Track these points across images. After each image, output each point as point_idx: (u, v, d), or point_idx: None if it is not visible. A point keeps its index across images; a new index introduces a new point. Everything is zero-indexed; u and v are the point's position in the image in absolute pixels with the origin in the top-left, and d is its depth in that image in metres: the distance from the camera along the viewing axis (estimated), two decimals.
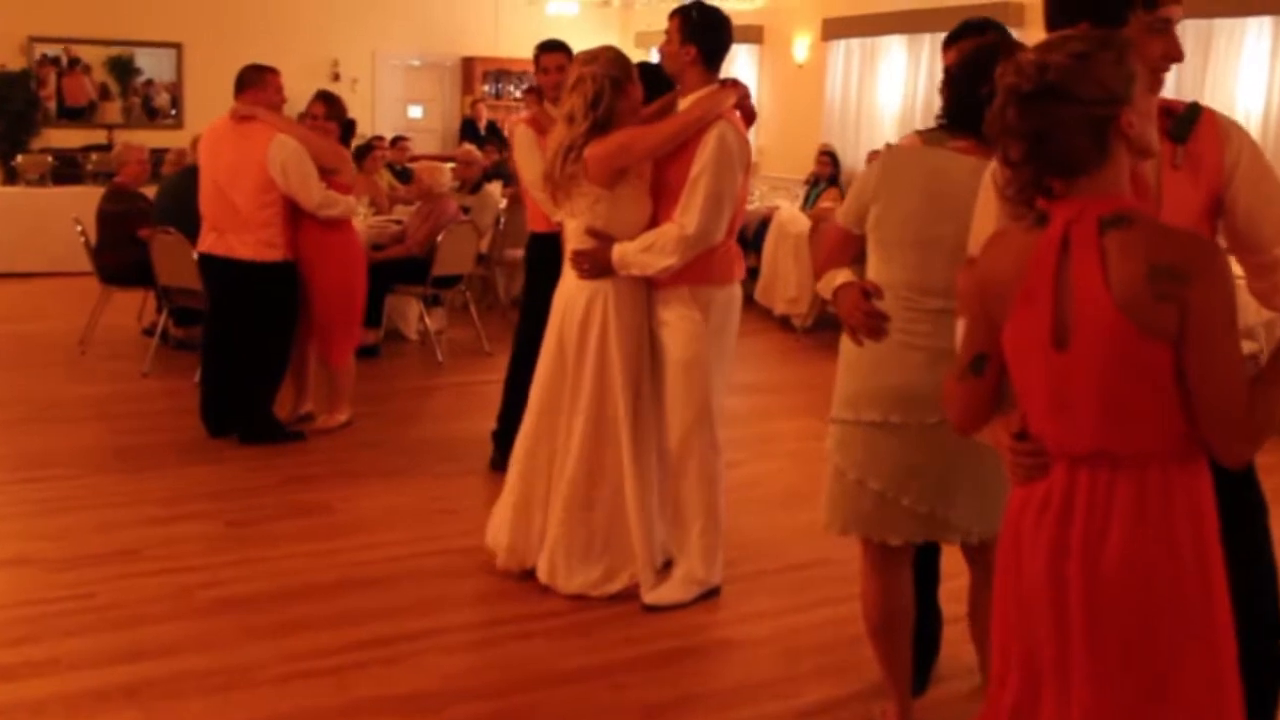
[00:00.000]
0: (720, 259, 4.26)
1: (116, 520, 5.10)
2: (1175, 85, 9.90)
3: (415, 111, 16.39)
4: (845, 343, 3.14)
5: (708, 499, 4.35)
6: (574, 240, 4.32)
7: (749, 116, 4.38)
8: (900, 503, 3.06)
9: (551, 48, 5.62)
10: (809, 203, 11.02)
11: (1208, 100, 9.28)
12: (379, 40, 15.57)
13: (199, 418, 6.34)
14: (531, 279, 5.71)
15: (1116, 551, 2.07)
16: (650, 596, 4.31)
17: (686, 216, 4.09)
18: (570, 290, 4.34)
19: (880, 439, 3.06)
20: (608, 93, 4.14)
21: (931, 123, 3.21)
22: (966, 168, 2.90)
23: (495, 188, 10.62)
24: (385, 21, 15.48)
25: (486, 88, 16.29)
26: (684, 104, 4.25)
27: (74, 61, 14.03)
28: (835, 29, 12.48)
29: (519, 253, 10.22)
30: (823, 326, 9.40)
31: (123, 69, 14.32)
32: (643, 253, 4.14)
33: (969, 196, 2.70)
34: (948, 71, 3.14)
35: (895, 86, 12.17)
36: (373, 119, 15.17)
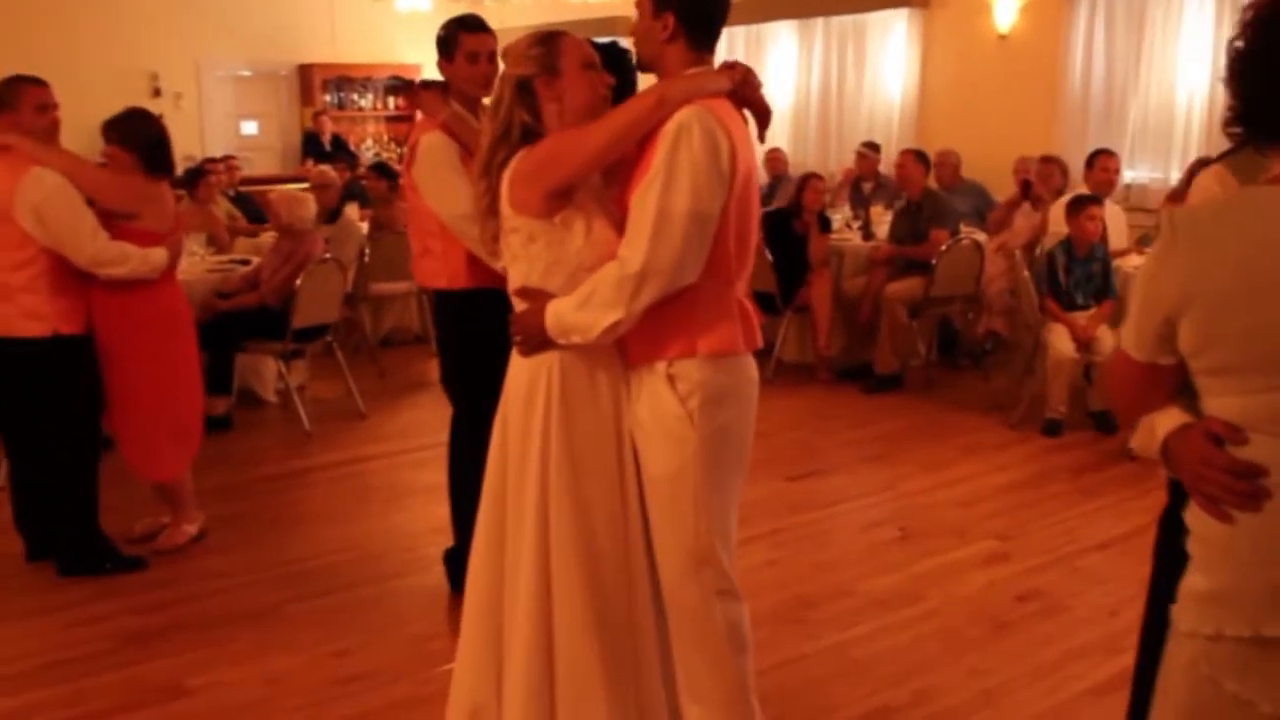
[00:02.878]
0: (708, 316, 2.87)
1: None
2: (1106, 64, 9.05)
3: (249, 127, 14.78)
4: (1197, 517, 1.93)
5: (718, 674, 3.00)
6: (512, 293, 3.05)
7: (759, 113, 3.09)
8: None
9: (479, 26, 4.19)
10: None
11: (1142, 75, 9.27)
12: (203, 49, 13.94)
13: (15, 530, 4.90)
14: (451, 350, 4.38)
15: None
16: None
17: (628, 246, 2.79)
18: (512, 370, 3.07)
19: None
20: (507, 98, 2.93)
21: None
22: None
23: (354, 211, 9.19)
24: (209, 28, 13.84)
25: (328, 97, 14.84)
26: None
27: None
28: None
29: (388, 286, 8.96)
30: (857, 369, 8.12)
31: None
32: (579, 310, 2.82)
33: None
34: (1242, 44, 1.89)
35: (786, 78, 11.19)
36: (201, 138, 13.64)
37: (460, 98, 4.15)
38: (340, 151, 13.30)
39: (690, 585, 2.93)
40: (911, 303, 7.79)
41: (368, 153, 14.63)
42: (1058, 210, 7.67)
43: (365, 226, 9.03)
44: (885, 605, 4.43)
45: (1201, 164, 7.70)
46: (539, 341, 2.90)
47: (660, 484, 2.91)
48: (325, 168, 9.19)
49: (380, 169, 9.48)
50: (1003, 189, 9.26)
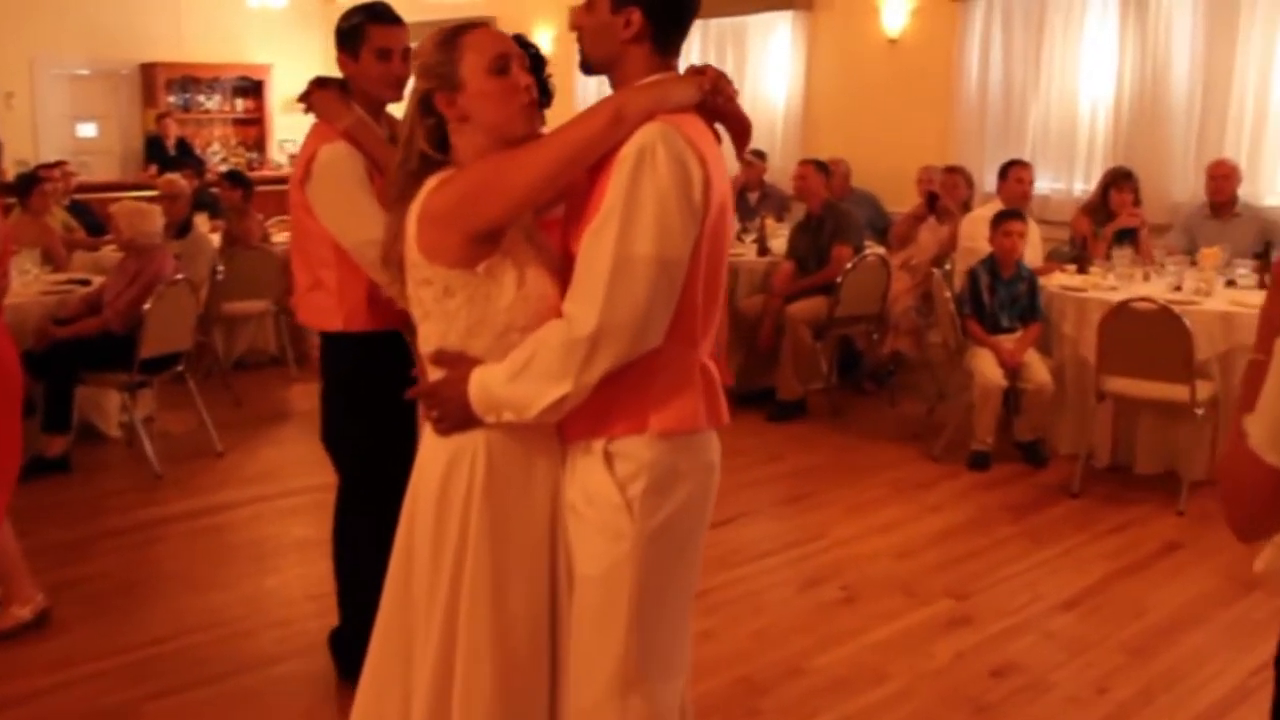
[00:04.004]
0: (665, 384, 2.29)
1: None
2: (1004, 70, 8.70)
3: (87, 130, 13.72)
4: None
5: None
6: (425, 356, 2.41)
7: (736, 128, 2.51)
8: None
9: (390, 17, 3.49)
10: None
11: (1042, 82, 8.93)
12: (38, 44, 12.90)
13: None
14: (342, 405, 3.69)
15: None
16: None
17: (577, 302, 2.20)
18: (425, 451, 2.42)
19: None
20: (408, 117, 2.38)
21: None
22: None
23: (204, 223, 8.37)
24: (45, 22, 12.78)
25: (173, 99, 13.91)
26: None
27: None
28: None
29: (242, 306, 8.14)
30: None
31: None
32: (513, 381, 2.23)
33: None
34: None
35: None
36: (35, 142, 12.59)
37: (365, 101, 3.49)
38: (186, 157, 12.37)
39: (606, 712, 2.32)
40: (815, 323, 7.28)
41: (215, 158, 13.74)
42: (969, 224, 7.27)
43: (216, 240, 8.23)
44: (847, 687, 3.86)
45: (1119, 174, 7.48)
46: (460, 419, 2.29)
47: (588, 586, 2.31)
48: (173, 176, 8.30)
49: (234, 177, 8.67)
50: (895, 200, 8.86)
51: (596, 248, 2.17)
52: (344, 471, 3.72)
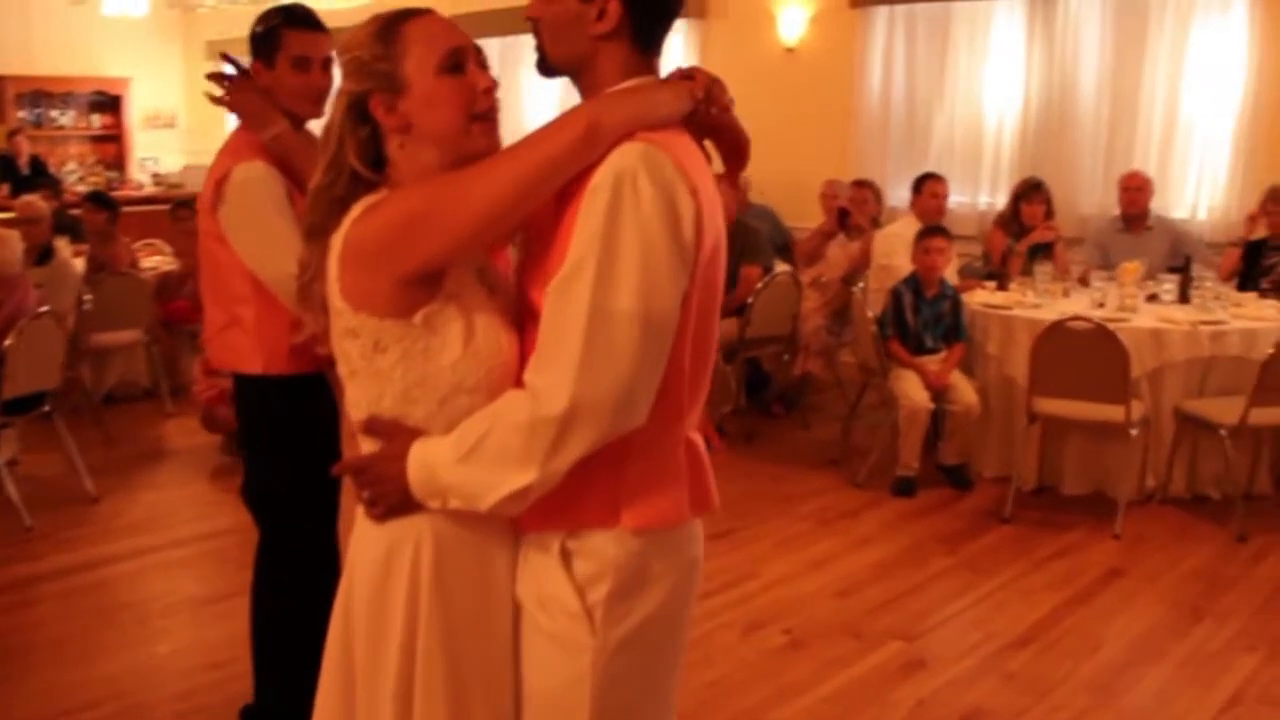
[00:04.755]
0: (643, 469, 1.89)
1: None
2: (907, 81, 8.54)
3: None
4: None
5: None
6: (355, 422, 2.00)
7: (731, 146, 2.14)
8: None
9: (309, 21, 3.09)
10: None
11: (947, 93, 8.77)
12: None
13: None
14: (264, 456, 3.30)
15: None
16: None
17: (545, 372, 1.79)
18: (360, 536, 1.99)
19: None
20: (335, 127, 1.94)
21: None
22: None
23: (66, 248, 7.78)
24: None
25: (23, 114, 13.06)
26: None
27: None
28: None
29: (111, 337, 7.55)
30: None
31: None
32: (465, 463, 1.82)
33: None
34: None
35: (550, 96, 10.38)
36: None
37: (289, 117, 3.08)
38: (41, 177, 11.59)
39: None
40: (725, 346, 7.01)
41: (71, 177, 12.99)
42: (883, 240, 7.08)
43: (80, 266, 7.65)
44: None
45: (1029, 186, 7.34)
46: (397, 502, 1.89)
47: (540, 703, 1.94)
48: (32, 197, 7.67)
49: (98, 199, 8.08)
50: (794, 215, 8.64)
51: (567, 304, 1.75)
52: (265, 526, 3.33)
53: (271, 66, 3.05)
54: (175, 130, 14.44)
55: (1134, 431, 5.43)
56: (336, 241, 1.86)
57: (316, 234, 1.93)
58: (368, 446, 1.93)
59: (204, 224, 3.14)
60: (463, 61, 1.89)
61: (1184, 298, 6.12)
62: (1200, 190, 7.43)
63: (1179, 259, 6.74)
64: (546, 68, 1.97)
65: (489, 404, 1.83)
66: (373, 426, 1.91)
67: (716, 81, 2.00)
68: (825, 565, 5.09)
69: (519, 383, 1.83)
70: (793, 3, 9.16)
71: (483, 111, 1.89)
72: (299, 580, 3.21)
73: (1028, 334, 5.74)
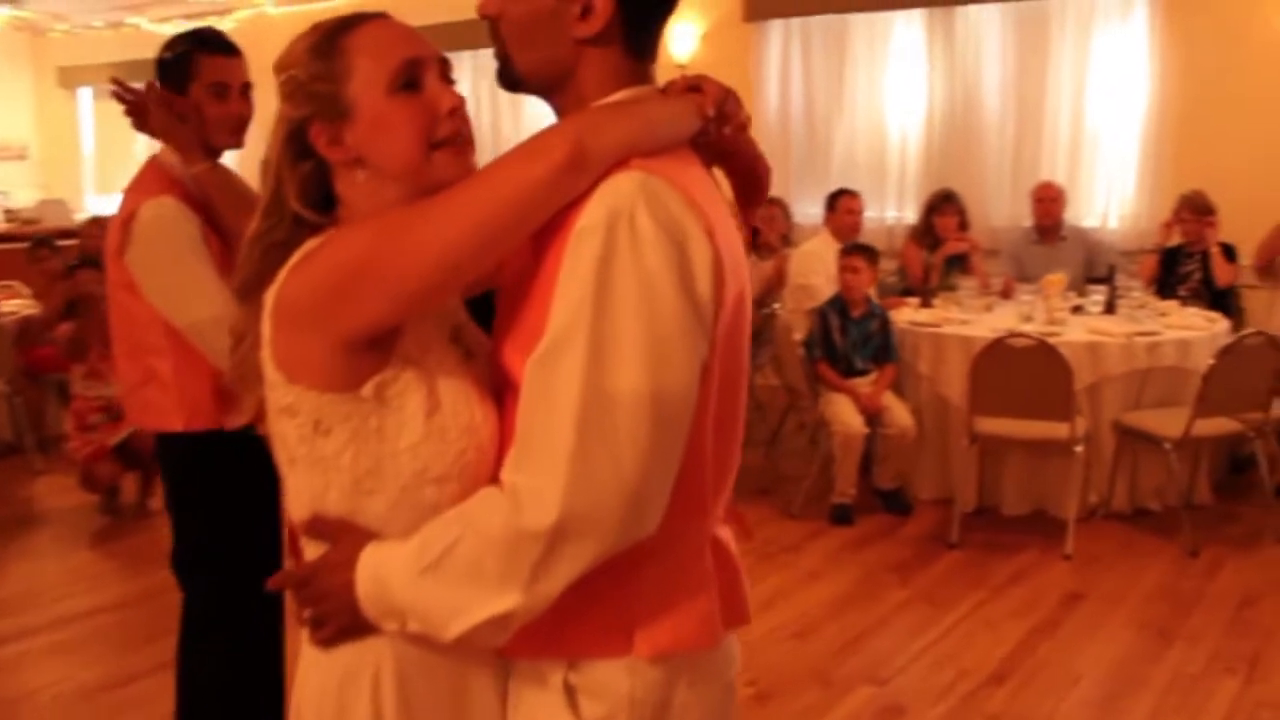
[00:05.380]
0: (661, 582, 1.52)
1: None
2: (805, 96, 8.41)
3: None
4: None
5: None
6: (295, 521, 1.62)
7: (747, 174, 1.74)
8: None
9: (225, 46, 2.84)
10: None
11: (846, 107, 8.57)
12: None
13: None
14: (192, 518, 3.04)
15: None
16: None
17: (529, 471, 1.40)
18: (306, 669, 1.61)
19: None
20: (274, 159, 1.57)
21: None
22: None
23: None
24: None
25: None
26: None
27: None
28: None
29: None
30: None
31: None
32: (425, 577, 1.42)
33: None
34: None
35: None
36: None
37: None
38: None
39: None
40: None
41: None
42: (800, 259, 6.87)
43: None
44: None
45: (941, 198, 7.20)
46: (347, 623, 1.51)
47: None
48: None
49: None
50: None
51: (552, 383, 1.38)
52: (189, 589, 3.06)
53: (185, 95, 2.79)
54: (27, 163, 13.68)
55: (1079, 448, 5.27)
56: (269, 297, 1.50)
57: (252, 290, 1.55)
58: (312, 552, 1.55)
59: (111, 272, 2.85)
60: (419, 76, 1.52)
61: (1111, 308, 6.01)
62: (1110, 199, 7.42)
63: (1094, 269, 6.68)
64: (511, 79, 1.57)
65: (461, 499, 1.46)
66: (316, 527, 1.53)
67: (730, 94, 1.63)
68: (776, 604, 4.81)
69: (499, 471, 1.45)
70: (683, 18, 8.94)
71: (446, 137, 1.52)
72: (238, 650, 2.97)
73: (960, 351, 5.58)
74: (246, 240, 1.57)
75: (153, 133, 2.81)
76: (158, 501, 6.10)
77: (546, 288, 1.42)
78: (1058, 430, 5.22)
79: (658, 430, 1.38)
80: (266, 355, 1.51)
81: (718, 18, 8.79)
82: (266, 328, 1.50)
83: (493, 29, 1.55)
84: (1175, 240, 6.62)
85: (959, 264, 6.86)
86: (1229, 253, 6.42)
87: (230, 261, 2.71)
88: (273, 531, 2.86)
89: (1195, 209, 6.44)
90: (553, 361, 1.37)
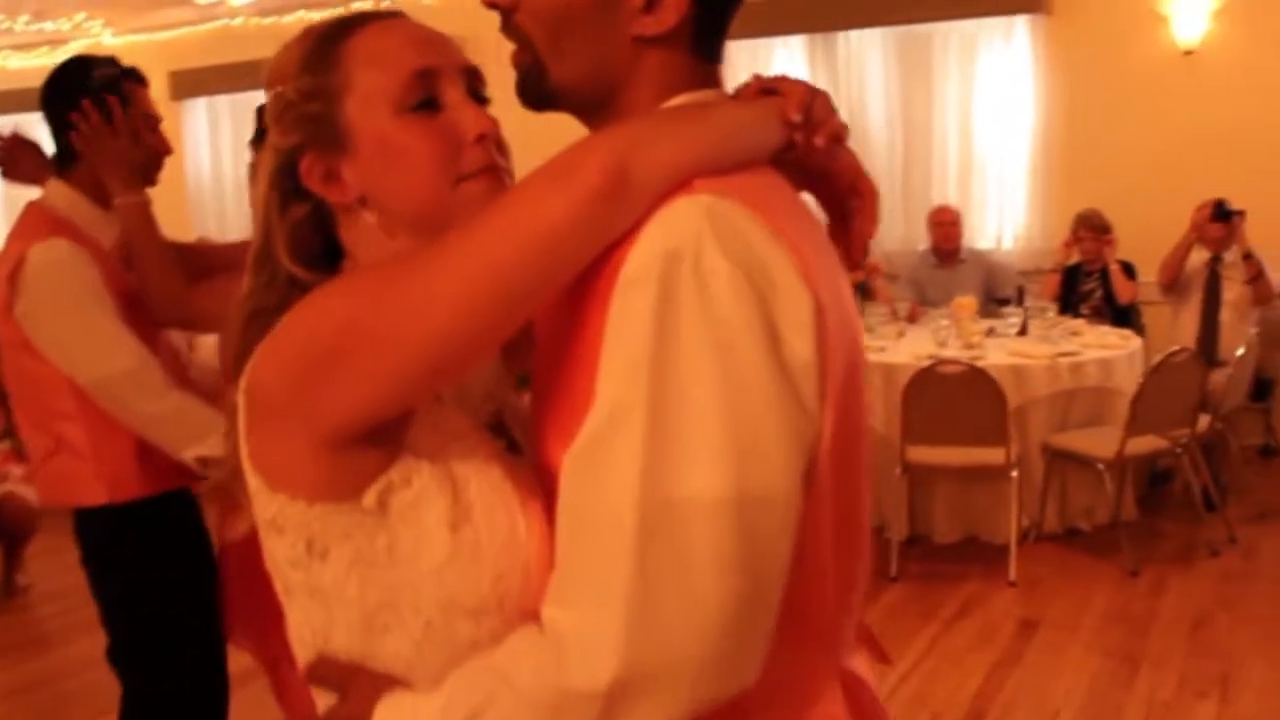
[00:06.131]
0: None
1: None
2: None
3: None
4: None
5: None
6: (300, 664, 1.25)
7: (850, 196, 1.32)
8: None
9: (143, 79, 2.62)
10: None
11: None
12: None
13: None
14: (120, 601, 2.69)
15: None
16: None
17: (571, 605, 1.05)
18: None
19: None
20: (264, 205, 1.23)
21: None
22: None
23: None
24: None
25: None
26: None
27: None
28: (189, 85, 9.95)
29: None
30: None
31: None
32: None
33: None
34: None
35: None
36: None
37: (94, 187, 2.56)
38: None
39: None
40: None
41: None
42: None
43: None
44: None
45: None
46: None
47: None
48: None
49: None
50: None
51: (599, 486, 1.03)
52: (132, 693, 2.71)
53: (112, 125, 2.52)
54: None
55: (1014, 473, 5.22)
56: (243, 381, 1.16)
57: (240, 368, 1.19)
58: (322, 702, 1.20)
59: (2, 331, 2.55)
60: (436, 92, 1.20)
61: (1024, 330, 6.01)
62: (1003, 220, 7.46)
63: (994, 290, 6.70)
64: (540, 92, 1.20)
65: (505, 633, 1.11)
66: (320, 673, 1.19)
67: (819, 95, 1.23)
68: None
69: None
70: None
71: (473, 171, 1.20)
72: None
73: (881, 379, 5.48)
74: (233, 304, 1.24)
75: (21, 179, 2.66)
76: (29, 576, 5.64)
77: (587, 355, 1.08)
78: (993, 456, 5.15)
79: (748, 548, 1.02)
80: (244, 455, 1.17)
81: None
82: (241, 420, 1.16)
83: (508, 24, 1.20)
84: (1074, 259, 6.67)
85: (860, 290, 6.81)
86: (1128, 270, 6.49)
87: (139, 313, 2.52)
88: (214, 608, 2.68)
89: (1092, 227, 6.50)
90: (599, 457, 1.03)
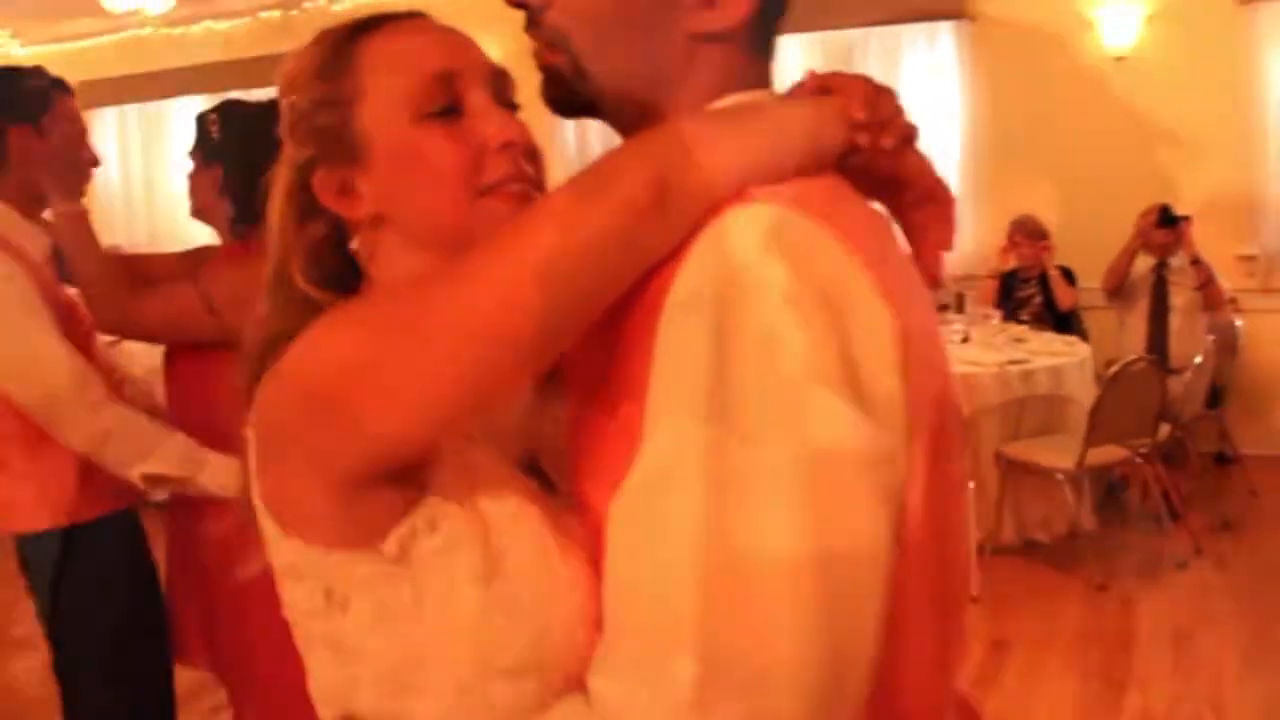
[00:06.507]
0: None
1: None
2: None
3: None
4: None
5: None
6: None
7: (920, 200, 1.11)
8: None
9: (70, 89, 2.58)
10: None
11: None
12: None
13: None
14: (68, 627, 2.56)
15: None
16: None
17: (622, 677, 0.88)
18: None
19: None
20: (277, 212, 1.14)
21: None
22: None
23: None
24: None
25: None
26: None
27: None
28: (98, 95, 9.44)
29: None
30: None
31: None
32: None
33: None
34: None
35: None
36: None
37: (21, 196, 2.48)
38: None
39: None
40: None
41: None
42: None
43: None
44: None
45: None
46: None
47: None
48: None
49: None
50: None
51: (652, 539, 0.87)
52: (78, 703, 2.62)
53: (37, 126, 2.47)
54: None
55: (971, 484, 4.97)
56: (252, 414, 1.04)
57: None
58: None
59: None
60: (458, 96, 1.09)
61: (967, 337, 5.81)
62: None
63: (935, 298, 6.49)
64: (575, 98, 1.07)
65: (548, 696, 0.97)
66: None
67: (884, 92, 1.07)
68: None
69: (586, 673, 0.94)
70: None
71: (497, 181, 1.08)
72: None
73: None
74: (248, 329, 1.10)
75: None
76: None
77: (632, 387, 0.93)
78: None
79: (831, 613, 0.84)
80: (255, 494, 1.04)
81: None
82: (252, 458, 1.04)
83: (534, 22, 1.05)
84: (1011, 265, 6.50)
85: None
86: (1068, 275, 6.33)
87: (74, 326, 2.40)
88: (159, 628, 2.62)
89: (1028, 233, 6.36)
90: (653, 507, 0.87)
